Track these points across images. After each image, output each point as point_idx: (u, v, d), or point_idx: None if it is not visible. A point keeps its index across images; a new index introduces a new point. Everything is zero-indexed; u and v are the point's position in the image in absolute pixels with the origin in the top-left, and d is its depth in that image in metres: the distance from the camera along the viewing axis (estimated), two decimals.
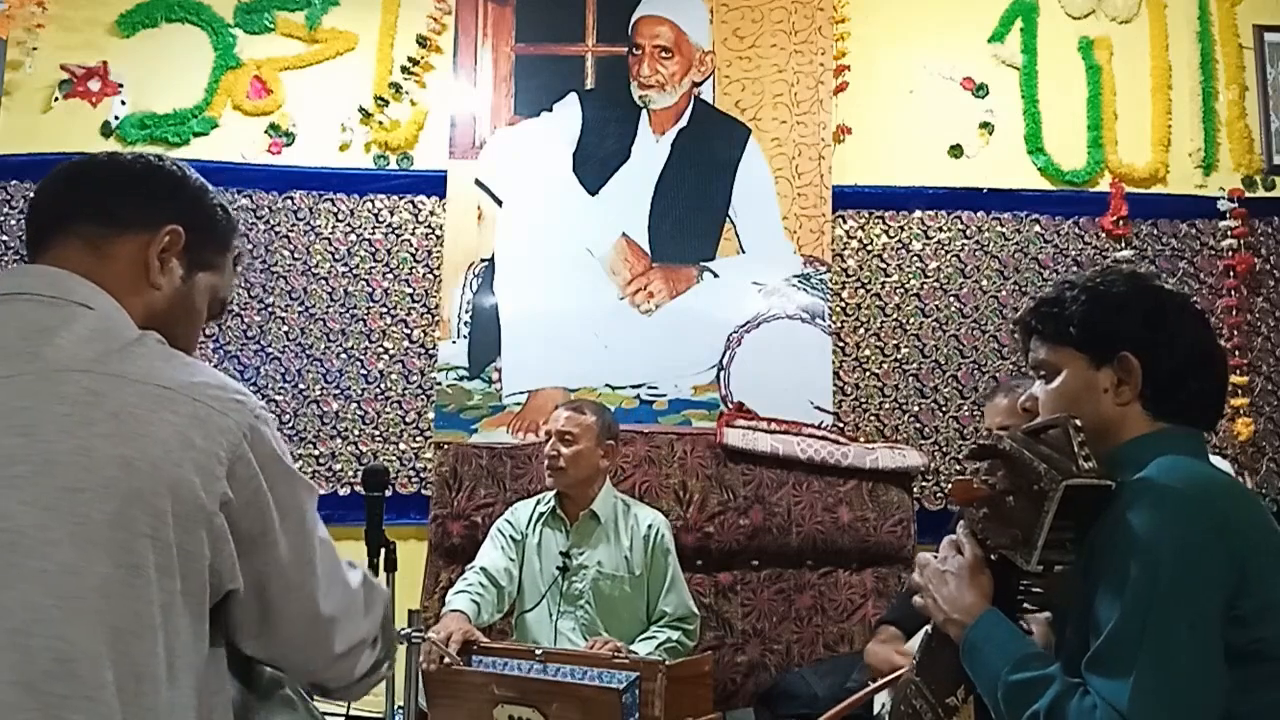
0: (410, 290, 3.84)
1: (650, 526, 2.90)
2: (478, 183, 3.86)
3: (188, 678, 0.96)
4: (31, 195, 1.19)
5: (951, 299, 3.86)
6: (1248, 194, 3.91)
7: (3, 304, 1.03)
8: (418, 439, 3.76)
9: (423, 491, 3.69)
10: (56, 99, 3.91)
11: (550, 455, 2.85)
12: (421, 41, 3.96)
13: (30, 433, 0.94)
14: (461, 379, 3.76)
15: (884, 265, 3.88)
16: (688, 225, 3.86)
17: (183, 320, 1.17)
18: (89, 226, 1.11)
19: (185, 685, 0.96)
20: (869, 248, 3.89)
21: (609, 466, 2.95)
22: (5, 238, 3.84)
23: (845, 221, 3.89)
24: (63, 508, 0.91)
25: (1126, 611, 1.20)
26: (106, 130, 3.90)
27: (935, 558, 1.44)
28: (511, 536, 2.90)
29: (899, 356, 3.84)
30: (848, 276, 3.87)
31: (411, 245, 3.86)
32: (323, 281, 3.82)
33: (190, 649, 0.97)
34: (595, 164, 3.89)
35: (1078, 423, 1.29)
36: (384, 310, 3.83)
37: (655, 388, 3.76)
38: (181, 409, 0.98)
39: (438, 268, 3.84)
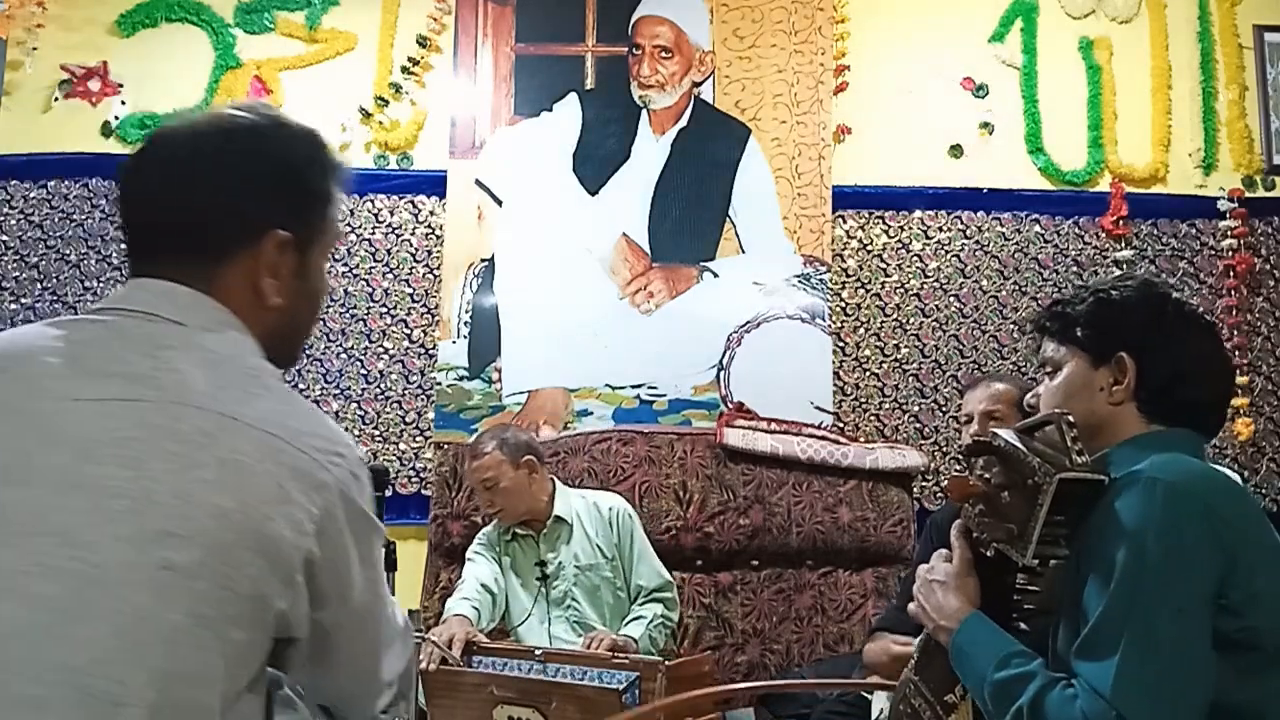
0: (410, 290, 3.84)
1: (610, 509, 2.92)
2: (478, 183, 3.86)
3: (232, 714, 0.95)
4: (122, 181, 1.09)
5: (951, 299, 3.86)
6: (1248, 194, 3.91)
7: (127, 320, 1.02)
8: (418, 439, 3.76)
9: (423, 491, 3.69)
10: (56, 99, 3.91)
11: (487, 506, 2.86)
12: (421, 41, 3.97)
13: (137, 466, 0.91)
14: (461, 379, 3.76)
15: (884, 265, 3.88)
16: (688, 225, 3.86)
17: (305, 311, 1.14)
18: (188, 258, 1.05)
19: None
20: (869, 248, 3.89)
21: (540, 477, 2.87)
22: (5, 237, 3.84)
23: (845, 221, 3.89)
24: (151, 550, 0.89)
25: (1113, 597, 1.22)
26: (106, 130, 3.91)
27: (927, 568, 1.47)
28: (489, 554, 2.91)
29: (899, 356, 3.84)
30: (848, 276, 3.87)
31: (411, 245, 3.87)
32: None
33: (243, 696, 0.96)
34: (595, 164, 3.89)
35: (1070, 419, 1.31)
36: (384, 310, 3.83)
37: (655, 388, 3.76)
38: (285, 459, 0.96)
39: (438, 268, 3.84)
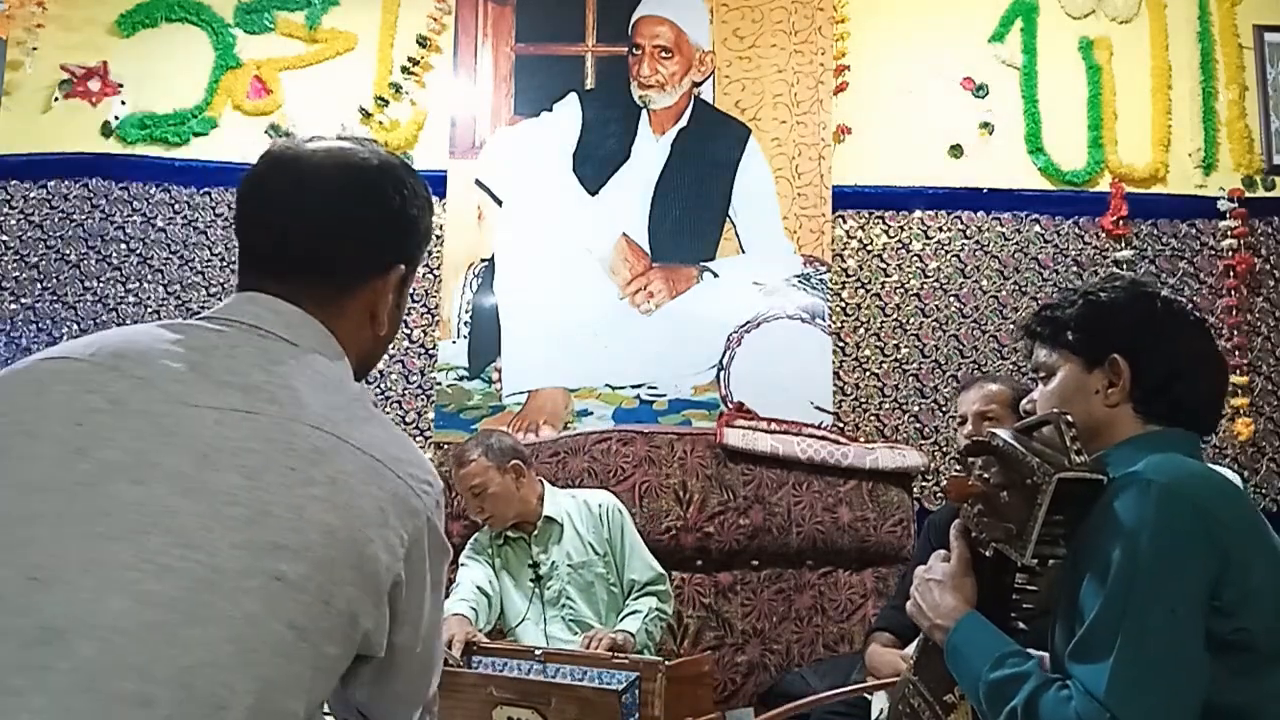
0: (410, 290, 3.84)
1: (600, 505, 2.91)
2: (478, 183, 3.87)
3: None
4: (248, 200, 1.13)
5: (951, 299, 3.86)
6: (1248, 194, 3.91)
7: (242, 332, 1.05)
8: (418, 439, 3.76)
9: None
10: (56, 99, 3.91)
11: (478, 513, 2.85)
12: (421, 41, 3.97)
13: (255, 477, 0.94)
14: (461, 379, 3.76)
15: (884, 265, 3.88)
16: (688, 225, 3.86)
17: (393, 335, 1.20)
18: (320, 286, 1.10)
19: None
20: (869, 248, 3.89)
21: (529, 480, 2.86)
22: (5, 237, 3.84)
23: (845, 221, 3.89)
24: (264, 560, 0.92)
25: (1107, 598, 1.22)
26: (106, 130, 3.91)
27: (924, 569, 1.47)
28: (482, 558, 2.91)
29: (899, 356, 3.84)
30: (848, 276, 3.87)
31: None
32: None
33: (319, 708, 0.99)
34: (595, 164, 3.89)
35: (1069, 418, 1.31)
36: None
37: (655, 388, 3.76)
38: (386, 484, 1.00)
39: (438, 268, 3.84)
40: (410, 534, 1.01)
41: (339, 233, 1.11)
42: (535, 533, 2.87)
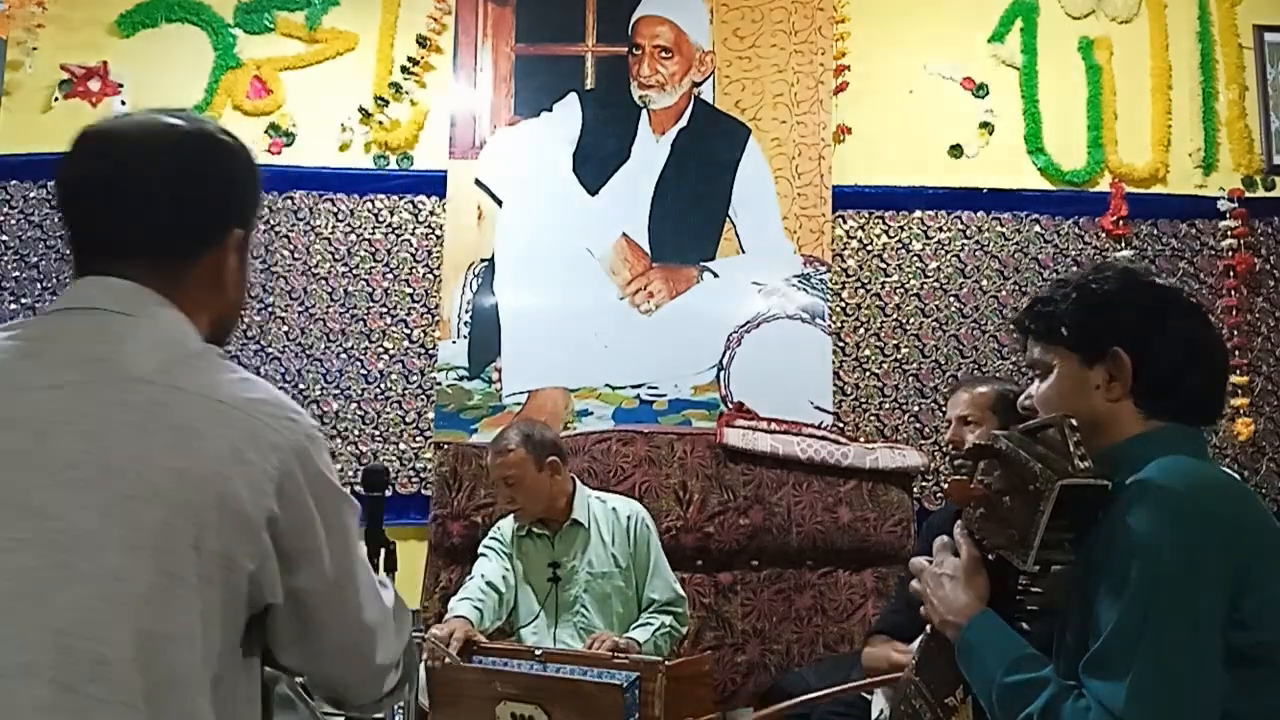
0: (410, 290, 3.84)
1: (629, 517, 2.88)
2: (478, 183, 3.86)
3: (221, 685, 0.98)
4: (71, 185, 1.12)
5: (951, 299, 3.86)
6: (1248, 194, 3.91)
7: (77, 315, 1.06)
8: (418, 439, 3.76)
9: (423, 491, 3.69)
10: (56, 99, 3.91)
11: (507, 503, 2.83)
12: (421, 41, 3.97)
13: (95, 438, 0.96)
14: (461, 379, 3.76)
15: (884, 265, 3.88)
16: (688, 225, 3.86)
17: (243, 296, 1.20)
18: (158, 262, 1.09)
19: (219, 693, 0.98)
20: (869, 248, 3.89)
21: (562, 478, 2.84)
22: (5, 237, 3.84)
23: (845, 221, 3.89)
24: (117, 514, 0.94)
25: (1125, 613, 1.19)
26: None
27: (930, 562, 1.44)
28: (502, 550, 2.89)
29: (899, 356, 3.84)
30: (848, 276, 3.87)
31: (411, 245, 3.86)
32: (323, 281, 3.82)
33: (226, 658, 0.99)
34: (595, 164, 3.89)
35: (1073, 422, 1.27)
36: (384, 310, 3.83)
37: (655, 388, 3.76)
38: (237, 424, 1.01)
39: (438, 268, 3.84)
40: (278, 468, 1.01)
41: (165, 209, 1.10)
42: (560, 533, 2.84)
